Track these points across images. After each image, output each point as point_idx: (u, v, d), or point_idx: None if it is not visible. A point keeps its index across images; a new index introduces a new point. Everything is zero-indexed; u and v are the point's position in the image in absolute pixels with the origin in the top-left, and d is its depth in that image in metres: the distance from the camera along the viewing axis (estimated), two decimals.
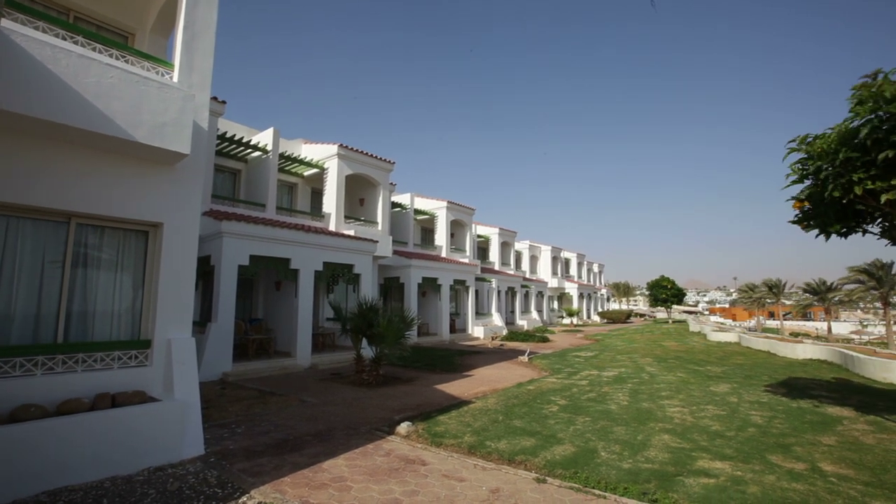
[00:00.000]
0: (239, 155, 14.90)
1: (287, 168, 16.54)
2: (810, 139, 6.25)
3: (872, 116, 5.53)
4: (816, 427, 6.96)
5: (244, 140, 14.13)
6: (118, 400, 4.89)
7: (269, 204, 14.13)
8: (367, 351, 10.69)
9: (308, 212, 16.44)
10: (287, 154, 15.67)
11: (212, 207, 12.60)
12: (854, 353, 13.48)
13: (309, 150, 16.89)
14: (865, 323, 62.95)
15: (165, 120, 5.11)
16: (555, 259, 41.74)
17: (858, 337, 42.74)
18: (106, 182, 5.14)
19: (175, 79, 5.82)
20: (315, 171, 16.70)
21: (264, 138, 14.63)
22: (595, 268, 56.13)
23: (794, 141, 6.41)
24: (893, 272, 33.19)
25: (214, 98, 11.83)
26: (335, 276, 14.15)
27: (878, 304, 37.73)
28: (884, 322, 36.67)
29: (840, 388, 10.31)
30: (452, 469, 5.05)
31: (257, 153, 14.69)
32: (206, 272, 11.70)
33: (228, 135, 13.82)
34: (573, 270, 48.20)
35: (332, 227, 15.63)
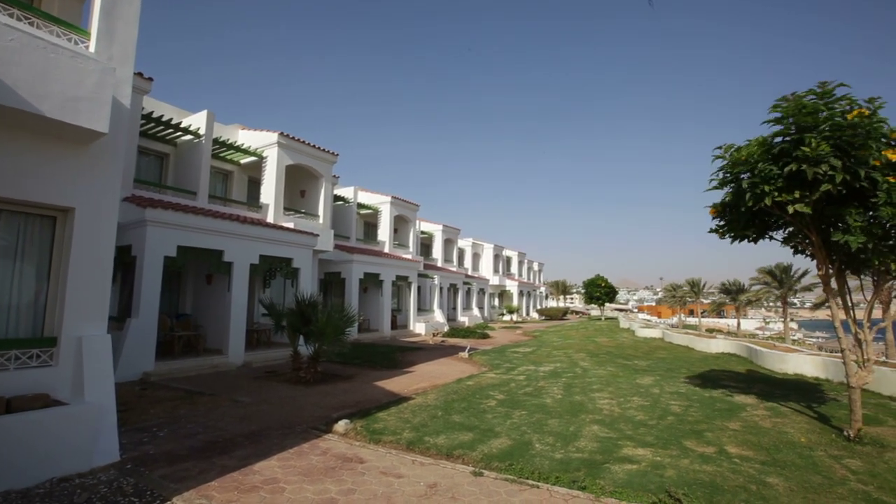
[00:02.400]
0: (167, 137, 13.79)
1: (222, 154, 15.56)
2: (734, 149, 6.75)
3: (786, 126, 6.07)
4: (724, 414, 7.66)
5: (173, 122, 13.12)
6: (14, 405, 4.36)
7: (201, 192, 13.24)
8: (305, 348, 10.35)
9: (244, 202, 15.59)
10: (222, 140, 14.71)
11: (134, 193, 11.58)
12: (757, 347, 15.00)
13: (246, 137, 16.00)
14: (768, 320, 70.39)
15: (79, 94, 4.60)
16: (497, 257, 42.70)
17: (762, 333, 47.69)
18: (3, 160, 4.56)
19: (92, 49, 5.27)
20: (253, 159, 15.85)
21: (196, 121, 13.66)
22: (535, 266, 58.10)
23: (720, 148, 6.86)
24: (792, 275, 37.29)
25: (140, 74, 10.85)
26: (272, 269, 13.56)
27: (779, 304, 42.24)
28: (783, 319, 41.12)
29: (745, 379, 11.42)
30: (390, 466, 5.02)
31: (188, 137, 13.68)
32: (126, 263, 10.75)
33: (156, 115, 12.76)
34: (514, 268, 49.56)
35: (270, 219, 14.94)
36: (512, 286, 44.32)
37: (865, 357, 6.57)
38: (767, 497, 4.37)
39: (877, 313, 7.45)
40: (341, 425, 6.34)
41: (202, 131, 13.38)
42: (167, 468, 4.79)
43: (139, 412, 7.01)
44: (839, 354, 7.32)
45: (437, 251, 32.03)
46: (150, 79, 11.27)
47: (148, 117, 12.45)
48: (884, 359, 14.67)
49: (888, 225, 5.55)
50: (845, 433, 6.36)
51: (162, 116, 12.84)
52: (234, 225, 11.92)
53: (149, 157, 13.86)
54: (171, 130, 13.33)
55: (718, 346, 17.93)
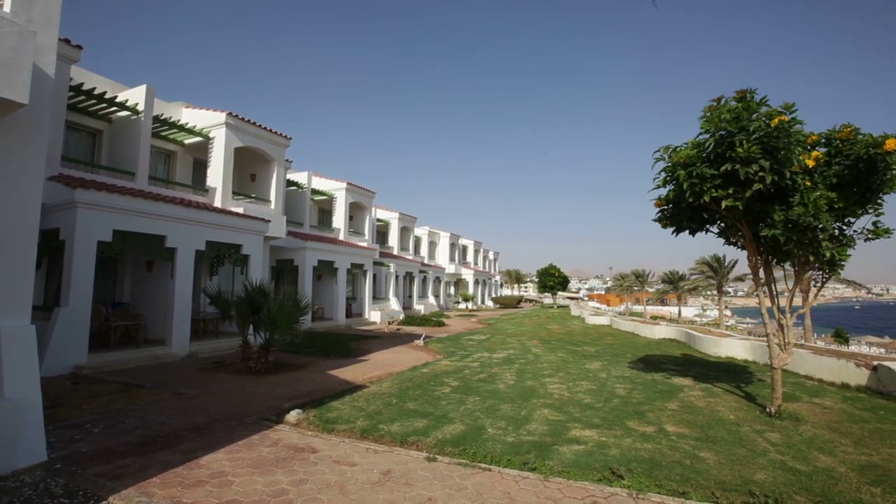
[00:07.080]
0: (100, 112, 12.72)
1: (164, 133, 14.56)
2: (671, 150, 7.14)
3: (713, 133, 6.49)
4: (664, 395, 8.16)
5: (107, 96, 12.10)
6: None
7: (141, 173, 12.35)
8: (256, 337, 10.01)
9: (189, 185, 14.73)
10: (164, 118, 13.76)
11: (62, 172, 10.63)
12: (695, 333, 16.04)
13: (192, 116, 15.04)
14: (705, 307, 75.40)
15: None
16: (453, 246, 42.95)
17: (700, 319, 51.05)
18: None
19: (6, 9, 4.73)
20: (199, 139, 14.95)
21: (134, 96, 12.66)
22: (490, 255, 58.96)
23: (658, 151, 7.29)
24: (726, 265, 40.06)
25: (66, 41, 9.88)
26: (220, 256, 12.96)
27: (715, 292, 45.30)
28: (718, 307, 44.15)
29: (684, 363, 12.20)
30: (344, 454, 4.97)
31: (125, 113, 12.67)
32: (53, 248, 9.90)
33: (87, 87, 11.70)
34: (470, 257, 50.07)
35: (217, 204, 14.21)
36: (468, 275, 44.79)
37: (786, 340, 7.19)
38: (699, 470, 4.71)
39: (798, 301, 8.17)
40: (293, 415, 6.21)
41: (141, 107, 12.43)
42: (102, 466, 4.51)
43: (70, 408, 6.54)
44: (765, 338, 7.96)
45: (394, 239, 31.77)
46: (79, 46, 10.30)
47: (77, 89, 11.41)
48: (802, 342, 16.14)
49: (800, 221, 6.09)
50: (767, 409, 6.96)
51: (94, 89, 11.80)
52: (178, 209, 11.25)
53: (79, 133, 12.75)
54: (104, 105, 12.29)
55: (661, 332, 19.02)
